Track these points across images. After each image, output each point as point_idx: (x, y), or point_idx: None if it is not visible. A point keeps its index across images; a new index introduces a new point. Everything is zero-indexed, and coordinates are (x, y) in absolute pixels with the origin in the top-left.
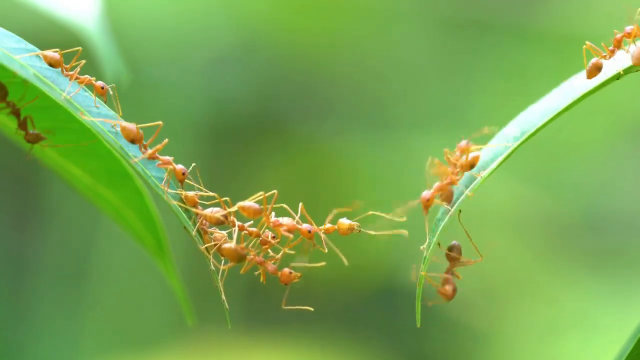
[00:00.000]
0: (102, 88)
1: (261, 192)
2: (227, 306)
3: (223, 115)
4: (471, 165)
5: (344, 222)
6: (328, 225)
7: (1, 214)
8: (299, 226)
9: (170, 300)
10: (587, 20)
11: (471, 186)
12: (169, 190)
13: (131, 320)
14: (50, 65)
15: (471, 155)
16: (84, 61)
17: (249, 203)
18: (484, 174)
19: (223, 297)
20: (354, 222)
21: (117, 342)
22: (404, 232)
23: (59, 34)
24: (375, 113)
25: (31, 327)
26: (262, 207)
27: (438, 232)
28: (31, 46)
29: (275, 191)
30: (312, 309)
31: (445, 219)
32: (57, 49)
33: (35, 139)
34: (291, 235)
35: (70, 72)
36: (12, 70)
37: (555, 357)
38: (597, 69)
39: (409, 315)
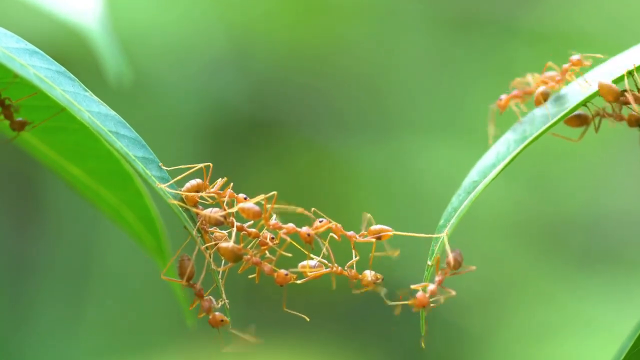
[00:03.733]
0: (245, 199)
1: (262, 195)
2: (228, 306)
3: (222, 116)
4: (377, 237)
5: (368, 276)
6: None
7: (1, 214)
8: (299, 230)
9: (169, 301)
10: (590, 20)
11: (473, 193)
12: (169, 190)
13: (131, 321)
14: (197, 190)
15: (375, 228)
16: (225, 179)
17: (249, 205)
18: (485, 181)
19: (224, 296)
20: (378, 275)
21: (117, 342)
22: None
23: (61, 33)
24: (374, 115)
25: (31, 328)
26: (262, 209)
27: (441, 238)
28: (31, 46)
29: (275, 192)
30: (308, 319)
31: (448, 226)
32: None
33: (20, 127)
34: (288, 239)
35: (213, 190)
36: (13, 70)
37: (552, 357)
38: (544, 97)
39: (407, 318)
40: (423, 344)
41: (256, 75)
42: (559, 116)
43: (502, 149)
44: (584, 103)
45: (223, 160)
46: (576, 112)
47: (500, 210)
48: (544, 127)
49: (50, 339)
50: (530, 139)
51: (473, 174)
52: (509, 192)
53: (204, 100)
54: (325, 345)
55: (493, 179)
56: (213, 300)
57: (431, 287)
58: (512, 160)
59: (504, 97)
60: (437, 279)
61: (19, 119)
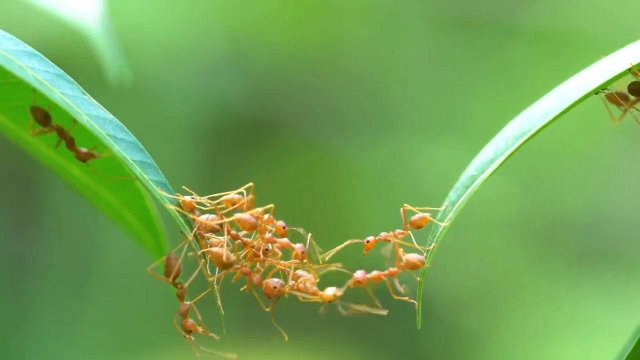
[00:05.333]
0: (284, 228)
1: (259, 208)
2: (223, 312)
3: (222, 116)
4: (417, 226)
5: (329, 291)
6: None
7: (1, 214)
8: (293, 245)
9: (169, 301)
10: (588, 20)
11: (471, 187)
12: (167, 195)
13: (131, 321)
14: (233, 204)
15: (418, 216)
16: (272, 207)
17: (246, 216)
18: (483, 176)
19: (219, 302)
20: (338, 290)
21: (117, 342)
22: (384, 312)
23: (61, 34)
24: (373, 115)
25: (31, 328)
26: (258, 221)
27: (438, 235)
28: (30, 48)
29: (272, 205)
30: (286, 337)
31: (446, 222)
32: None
33: (86, 157)
34: (280, 253)
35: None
36: (12, 72)
37: (552, 358)
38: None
39: (405, 317)
40: (419, 324)
41: (256, 76)
42: (559, 112)
43: (500, 145)
44: (583, 100)
45: (223, 161)
46: (620, 91)
47: (500, 209)
48: (542, 124)
49: (50, 339)
50: (528, 134)
51: (471, 169)
52: (508, 191)
53: (204, 101)
54: (323, 345)
55: (492, 173)
56: (190, 306)
57: (374, 272)
58: (510, 155)
59: (371, 238)
60: (389, 269)
61: (84, 149)
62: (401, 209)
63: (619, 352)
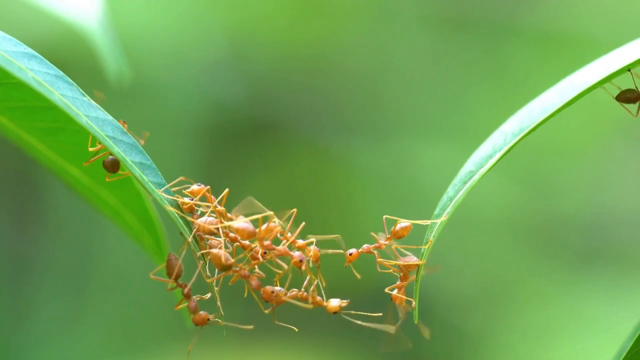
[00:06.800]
0: (290, 233)
1: (259, 215)
2: (223, 312)
3: (221, 117)
4: (399, 236)
5: (334, 302)
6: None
7: (1, 214)
8: (291, 253)
9: (169, 301)
10: (591, 20)
11: (469, 182)
12: (166, 196)
13: (131, 321)
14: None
15: (399, 226)
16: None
17: (245, 225)
18: (481, 171)
19: (218, 303)
20: (343, 302)
21: (117, 343)
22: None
23: (61, 34)
24: (374, 116)
25: (31, 328)
26: (257, 229)
27: (434, 232)
28: (30, 49)
29: (272, 212)
30: (296, 330)
31: (444, 216)
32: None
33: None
34: (277, 261)
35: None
36: (11, 73)
37: (552, 358)
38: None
39: (405, 318)
40: (418, 324)
41: (255, 77)
42: (558, 107)
43: (498, 141)
44: (582, 96)
45: (223, 161)
46: (629, 88)
47: (500, 209)
48: (540, 119)
49: (50, 339)
50: (527, 130)
51: (469, 165)
52: (509, 191)
53: (203, 102)
54: (323, 346)
55: (489, 169)
56: (196, 300)
57: (365, 247)
58: (508, 151)
59: (353, 251)
60: (400, 262)
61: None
62: (383, 219)
63: (618, 350)
